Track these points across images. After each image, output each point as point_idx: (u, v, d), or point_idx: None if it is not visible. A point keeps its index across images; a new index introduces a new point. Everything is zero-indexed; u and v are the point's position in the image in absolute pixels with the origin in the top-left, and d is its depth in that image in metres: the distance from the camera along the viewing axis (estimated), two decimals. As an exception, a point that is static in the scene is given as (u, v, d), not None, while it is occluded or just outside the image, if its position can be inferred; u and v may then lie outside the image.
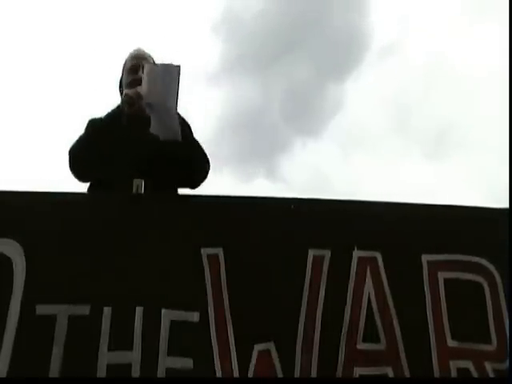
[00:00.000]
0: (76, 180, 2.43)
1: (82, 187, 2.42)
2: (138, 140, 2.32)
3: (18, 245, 1.87)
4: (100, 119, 2.51)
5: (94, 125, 2.49)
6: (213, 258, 1.91)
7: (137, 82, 2.45)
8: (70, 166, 2.43)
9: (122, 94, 2.65)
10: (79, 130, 2.50)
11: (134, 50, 2.75)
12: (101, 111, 2.58)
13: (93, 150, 2.38)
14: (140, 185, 2.04)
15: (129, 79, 2.59)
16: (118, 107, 2.48)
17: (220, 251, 1.92)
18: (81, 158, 2.41)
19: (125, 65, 2.73)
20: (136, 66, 2.62)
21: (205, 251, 1.92)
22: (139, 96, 2.32)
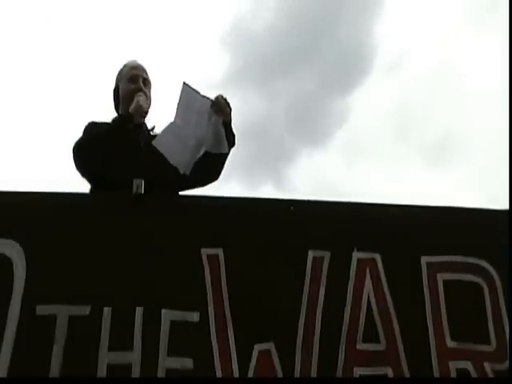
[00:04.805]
0: (79, 174, 2.47)
1: (84, 187, 2.44)
2: (146, 145, 2.33)
3: (17, 245, 1.87)
4: (106, 123, 2.56)
5: (100, 127, 2.54)
6: (213, 258, 1.92)
7: (137, 91, 2.57)
8: (76, 161, 2.46)
9: (116, 102, 2.69)
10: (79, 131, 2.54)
11: (131, 61, 2.80)
12: (100, 117, 2.65)
13: (102, 150, 2.40)
14: (140, 185, 2.04)
15: (130, 87, 2.64)
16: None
17: (220, 251, 1.93)
18: (88, 154, 2.44)
19: (121, 75, 2.76)
20: (136, 76, 2.68)
21: (205, 251, 1.93)
22: (146, 103, 2.51)
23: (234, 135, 2.46)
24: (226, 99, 2.40)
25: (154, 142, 2.28)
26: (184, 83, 2.29)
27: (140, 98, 2.51)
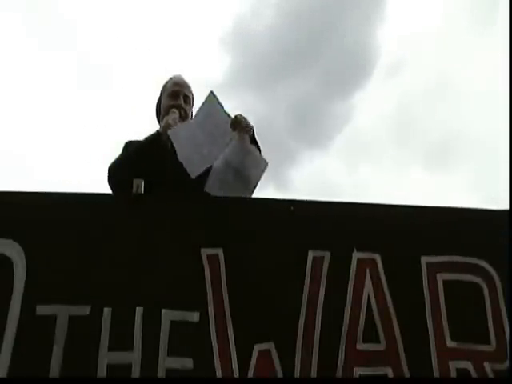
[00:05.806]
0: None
1: (83, 187, 2.44)
2: (177, 164, 2.32)
3: (17, 245, 1.87)
4: (138, 142, 2.57)
5: (133, 146, 2.55)
6: (213, 258, 1.92)
7: (176, 107, 2.61)
8: (109, 183, 2.48)
9: (159, 116, 2.71)
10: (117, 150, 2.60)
11: (175, 76, 2.83)
12: (138, 135, 2.67)
13: (132, 170, 2.36)
14: (140, 185, 2.04)
15: (169, 103, 2.67)
16: (157, 132, 2.51)
17: (220, 251, 1.93)
18: (120, 176, 2.44)
19: (165, 89, 2.80)
20: (177, 92, 2.72)
21: (205, 251, 1.92)
22: (176, 123, 2.48)
23: (259, 149, 2.44)
24: (245, 118, 2.37)
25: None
26: (211, 92, 2.26)
27: (171, 116, 2.52)
